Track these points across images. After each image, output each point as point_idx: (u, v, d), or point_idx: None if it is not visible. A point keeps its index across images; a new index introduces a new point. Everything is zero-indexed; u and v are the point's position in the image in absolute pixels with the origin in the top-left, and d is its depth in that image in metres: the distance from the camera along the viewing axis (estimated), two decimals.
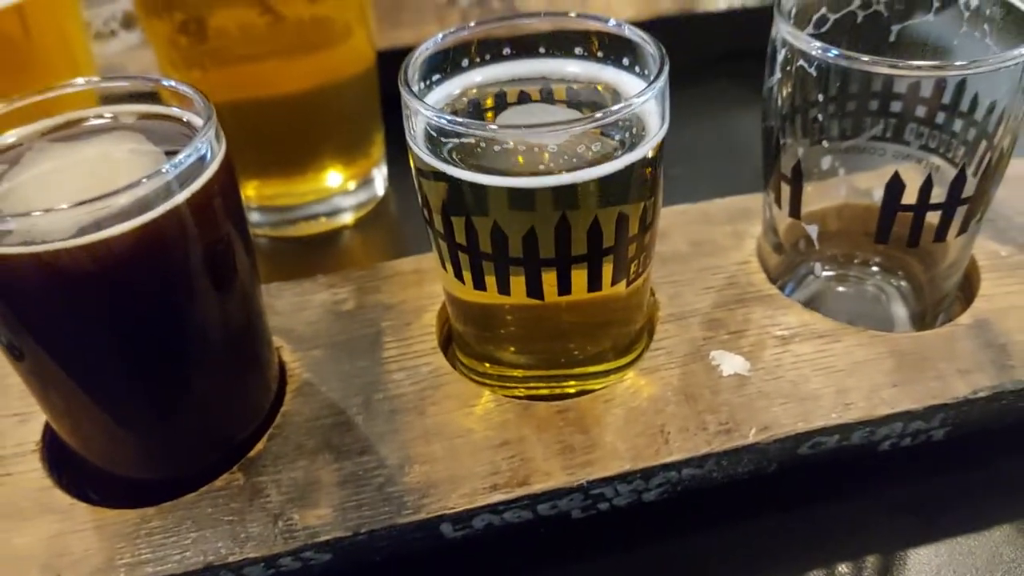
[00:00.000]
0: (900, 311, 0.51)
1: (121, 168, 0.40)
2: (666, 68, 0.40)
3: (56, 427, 0.45)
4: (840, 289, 0.52)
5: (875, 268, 0.51)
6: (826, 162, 0.48)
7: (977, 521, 0.46)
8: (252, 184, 0.66)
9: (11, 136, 0.42)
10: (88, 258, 0.36)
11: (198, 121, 0.41)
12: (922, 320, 0.51)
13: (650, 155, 0.40)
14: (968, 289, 0.51)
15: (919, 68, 0.42)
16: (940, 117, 0.45)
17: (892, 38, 0.48)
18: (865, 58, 0.42)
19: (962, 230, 0.46)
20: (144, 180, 0.36)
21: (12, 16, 0.57)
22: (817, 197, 0.49)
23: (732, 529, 0.46)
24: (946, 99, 0.44)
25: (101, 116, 0.43)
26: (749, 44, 0.57)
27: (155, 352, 0.40)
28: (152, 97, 0.43)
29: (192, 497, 0.43)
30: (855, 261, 0.52)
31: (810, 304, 0.50)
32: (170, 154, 0.38)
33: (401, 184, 0.72)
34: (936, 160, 0.46)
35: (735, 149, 0.73)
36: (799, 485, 0.47)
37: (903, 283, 0.51)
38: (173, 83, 0.42)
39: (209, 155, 0.39)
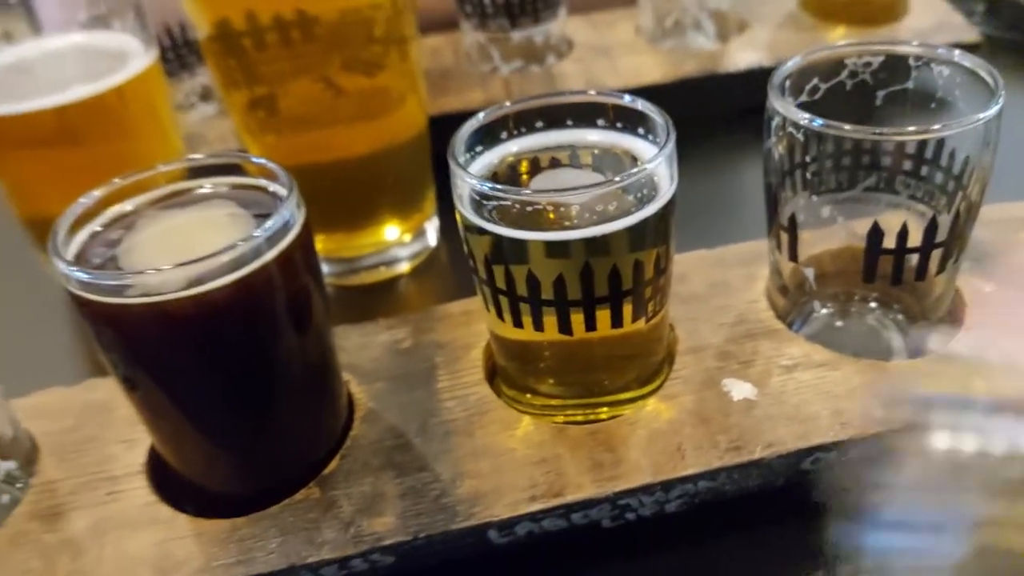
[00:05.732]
0: (898, 342, 0.56)
1: (220, 230, 0.46)
2: (672, 136, 0.46)
3: (160, 449, 0.50)
4: (839, 324, 0.57)
5: (873, 304, 0.57)
6: (824, 212, 0.53)
7: None
8: (319, 238, 0.69)
9: (128, 205, 0.48)
10: (193, 307, 0.42)
11: (283, 191, 0.46)
12: None
13: (661, 210, 0.46)
14: (957, 323, 0.56)
15: (893, 134, 0.48)
16: (924, 170, 0.51)
17: (879, 102, 0.54)
18: (847, 127, 0.47)
19: (940, 270, 0.51)
20: (240, 243, 0.42)
21: (114, 94, 0.65)
22: (815, 243, 0.54)
23: (746, 537, 0.50)
24: (928, 155, 0.50)
25: (201, 187, 0.49)
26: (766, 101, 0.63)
27: (246, 385, 0.46)
28: (241, 170, 0.49)
29: (276, 508, 0.48)
30: (855, 298, 0.57)
31: (815, 338, 0.55)
32: (259, 217, 0.45)
33: (451, 235, 0.75)
34: (922, 208, 0.52)
35: (753, 198, 0.78)
36: (806, 498, 0.50)
37: (900, 316, 0.56)
38: (260, 160, 0.48)
39: (292, 220, 0.45)
